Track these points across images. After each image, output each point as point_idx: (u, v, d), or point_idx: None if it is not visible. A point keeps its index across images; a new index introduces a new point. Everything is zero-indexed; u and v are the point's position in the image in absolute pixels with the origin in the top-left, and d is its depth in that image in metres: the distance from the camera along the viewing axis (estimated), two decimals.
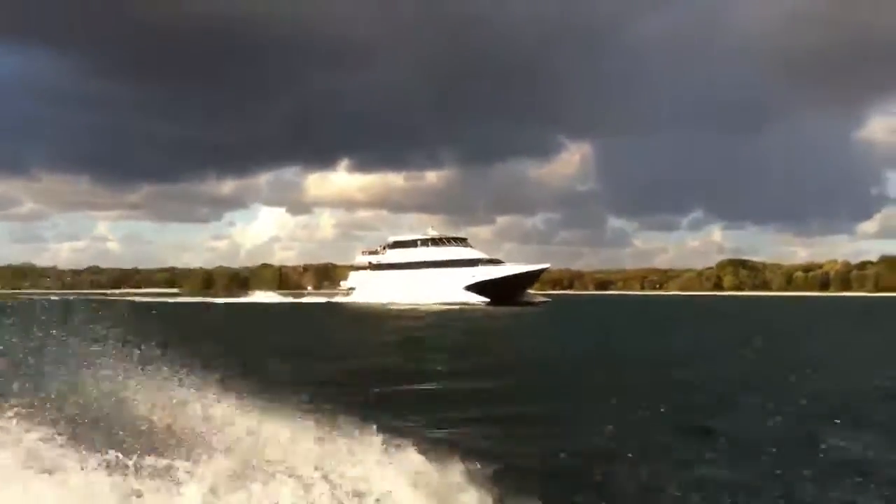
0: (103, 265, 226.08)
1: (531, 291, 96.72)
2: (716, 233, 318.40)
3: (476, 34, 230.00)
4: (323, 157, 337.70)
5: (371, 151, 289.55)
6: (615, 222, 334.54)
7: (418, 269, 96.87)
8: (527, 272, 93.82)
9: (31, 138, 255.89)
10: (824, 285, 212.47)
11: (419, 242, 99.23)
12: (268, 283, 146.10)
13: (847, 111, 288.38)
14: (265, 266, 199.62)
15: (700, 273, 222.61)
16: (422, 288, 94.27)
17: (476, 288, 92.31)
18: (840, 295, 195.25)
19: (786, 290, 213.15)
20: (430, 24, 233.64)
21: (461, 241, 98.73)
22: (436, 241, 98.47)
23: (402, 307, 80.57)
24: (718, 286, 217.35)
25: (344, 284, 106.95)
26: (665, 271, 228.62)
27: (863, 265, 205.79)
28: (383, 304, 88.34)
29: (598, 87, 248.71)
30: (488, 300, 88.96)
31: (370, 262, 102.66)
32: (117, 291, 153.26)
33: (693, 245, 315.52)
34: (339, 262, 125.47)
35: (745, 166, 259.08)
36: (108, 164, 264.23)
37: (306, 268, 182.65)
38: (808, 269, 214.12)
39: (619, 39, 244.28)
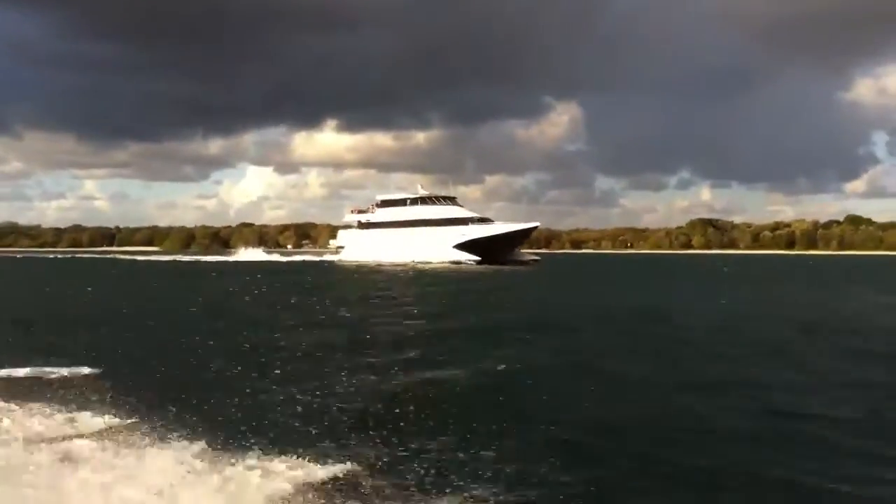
0: (91, 224, 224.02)
1: (522, 250, 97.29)
2: (704, 192, 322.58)
3: None
4: (309, 118, 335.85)
5: (357, 112, 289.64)
6: (603, 182, 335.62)
7: (408, 228, 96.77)
8: (517, 231, 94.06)
9: (14, 98, 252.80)
10: (790, 244, 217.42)
11: (408, 201, 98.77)
12: (248, 242, 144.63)
13: (833, 73, 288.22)
14: (246, 225, 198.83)
15: (669, 232, 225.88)
16: (411, 246, 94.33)
17: (466, 246, 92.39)
18: (803, 253, 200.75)
19: (752, 248, 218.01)
20: None
21: (450, 200, 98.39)
22: (425, 200, 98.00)
23: (394, 264, 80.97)
24: (688, 245, 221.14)
25: (333, 243, 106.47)
26: (641, 230, 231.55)
27: (828, 224, 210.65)
28: (373, 262, 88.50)
29: (585, 49, 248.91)
30: (479, 259, 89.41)
31: (359, 221, 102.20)
32: (97, 250, 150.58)
33: (682, 205, 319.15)
34: (330, 221, 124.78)
35: (732, 127, 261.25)
36: (93, 122, 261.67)
37: (287, 227, 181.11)
38: (775, 228, 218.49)
39: (605, 2, 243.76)
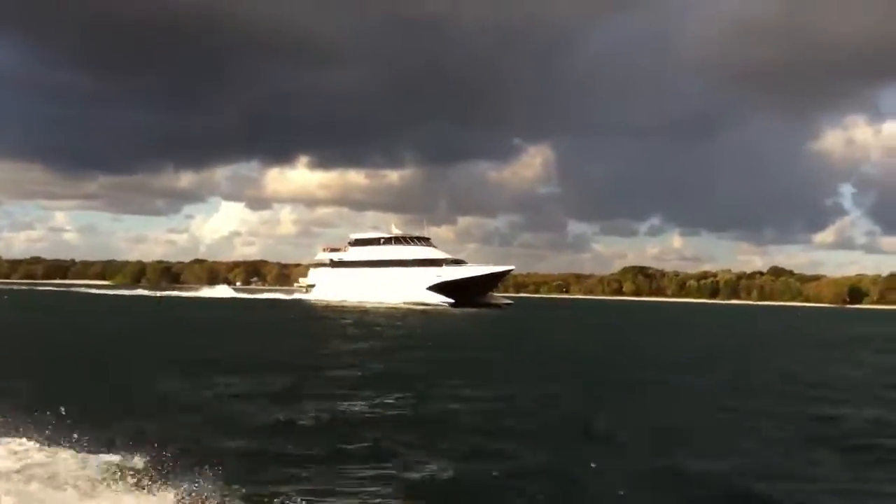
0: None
1: (494, 294, 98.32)
2: (675, 239, 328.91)
3: (434, 37, 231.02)
4: (281, 153, 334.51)
5: (330, 149, 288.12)
6: (575, 226, 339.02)
7: (381, 268, 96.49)
8: (491, 273, 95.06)
9: None
10: (714, 293, 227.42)
11: (382, 240, 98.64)
12: (199, 279, 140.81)
13: (801, 123, 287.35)
14: (197, 261, 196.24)
15: (602, 279, 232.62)
16: (384, 287, 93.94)
17: (440, 288, 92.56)
18: (722, 303, 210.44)
19: (679, 296, 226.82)
20: (390, 27, 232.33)
21: (424, 241, 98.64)
22: (399, 240, 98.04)
23: (367, 305, 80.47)
24: (619, 291, 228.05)
25: (303, 281, 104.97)
26: (577, 275, 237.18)
27: (752, 275, 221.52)
28: (344, 301, 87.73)
29: (554, 93, 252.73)
30: (452, 301, 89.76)
31: (331, 259, 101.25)
32: (50, 282, 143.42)
33: (653, 252, 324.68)
34: (301, 259, 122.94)
35: (701, 174, 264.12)
36: (62, 153, 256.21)
37: (237, 264, 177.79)
38: (701, 277, 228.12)
39: (573, 48, 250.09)
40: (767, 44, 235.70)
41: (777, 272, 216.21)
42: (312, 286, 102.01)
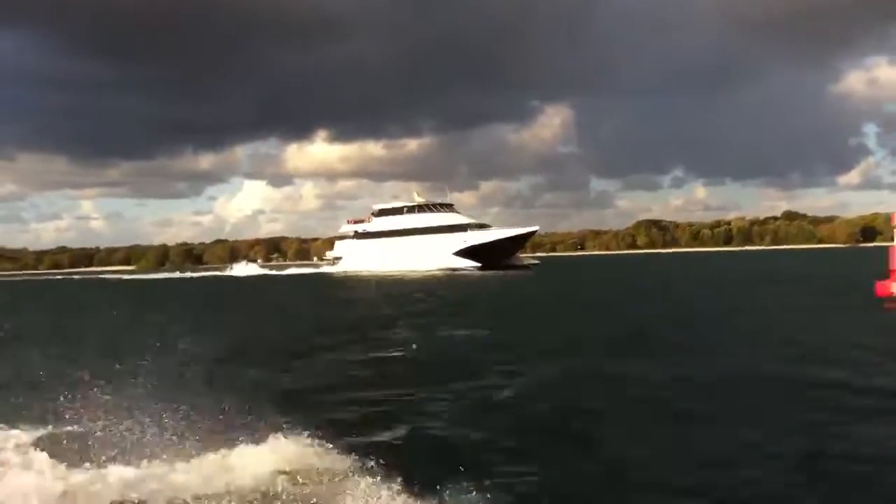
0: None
1: (520, 255, 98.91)
2: (699, 190, 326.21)
3: (448, 2, 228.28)
4: (299, 129, 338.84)
5: (347, 122, 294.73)
6: (598, 184, 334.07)
7: (406, 237, 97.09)
8: (517, 235, 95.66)
9: (5, 120, 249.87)
10: (728, 241, 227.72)
11: (405, 209, 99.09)
12: (220, 259, 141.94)
13: (822, 67, 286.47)
14: (218, 241, 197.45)
15: (617, 234, 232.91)
16: (411, 255, 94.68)
17: (466, 253, 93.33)
18: (739, 249, 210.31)
19: (693, 246, 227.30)
20: None
21: (448, 207, 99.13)
22: (422, 208, 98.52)
23: (399, 274, 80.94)
24: (633, 245, 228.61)
25: (329, 254, 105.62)
26: (595, 232, 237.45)
27: (765, 221, 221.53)
28: (372, 272, 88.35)
29: (573, 50, 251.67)
30: (480, 265, 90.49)
31: (356, 231, 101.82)
32: (74, 271, 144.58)
33: (677, 203, 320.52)
34: (326, 233, 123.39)
35: (723, 124, 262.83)
36: (83, 142, 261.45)
37: (258, 241, 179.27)
38: (714, 226, 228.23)
39: (595, 6, 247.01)
40: None
41: (791, 216, 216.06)
42: (339, 259, 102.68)
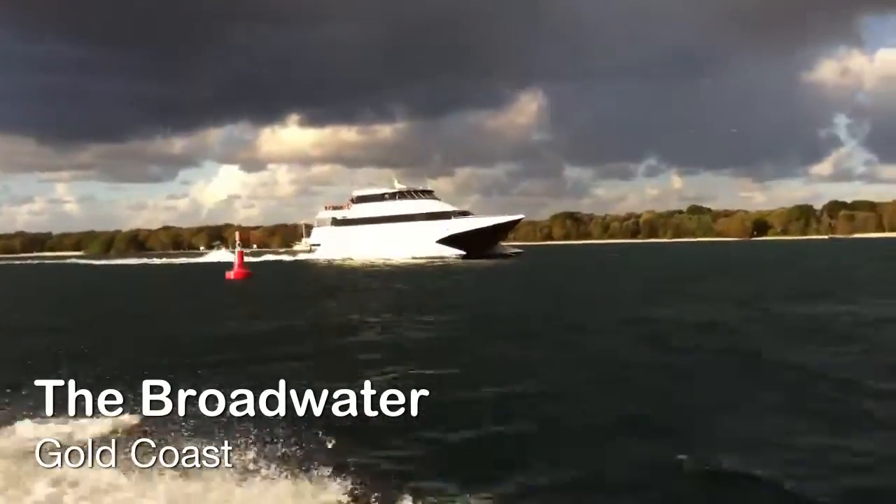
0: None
1: (503, 244, 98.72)
2: (675, 180, 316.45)
3: None
4: (271, 113, 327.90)
5: (320, 106, 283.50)
6: (572, 171, 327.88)
7: (387, 224, 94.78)
8: (502, 223, 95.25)
9: None
10: (635, 233, 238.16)
11: (386, 196, 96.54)
12: (165, 246, 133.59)
13: (792, 56, 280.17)
14: (165, 228, 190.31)
15: (535, 225, 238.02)
16: (393, 243, 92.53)
17: (450, 241, 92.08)
18: (643, 242, 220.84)
19: (603, 238, 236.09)
20: None
21: (428, 194, 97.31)
22: (403, 195, 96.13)
23: (377, 262, 78.97)
24: (549, 237, 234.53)
25: (306, 241, 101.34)
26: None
27: (671, 214, 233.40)
28: (351, 261, 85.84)
29: (543, 38, 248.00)
30: (464, 253, 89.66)
31: (334, 218, 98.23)
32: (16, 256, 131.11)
33: (653, 193, 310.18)
34: (303, 219, 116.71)
35: (696, 112, 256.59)
36: (52, 124, 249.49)
37: (200, 229, 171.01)
38: (625, 219, 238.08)
39: None
40: None
41: (695, 210, 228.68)
42: (317, 245, 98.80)
